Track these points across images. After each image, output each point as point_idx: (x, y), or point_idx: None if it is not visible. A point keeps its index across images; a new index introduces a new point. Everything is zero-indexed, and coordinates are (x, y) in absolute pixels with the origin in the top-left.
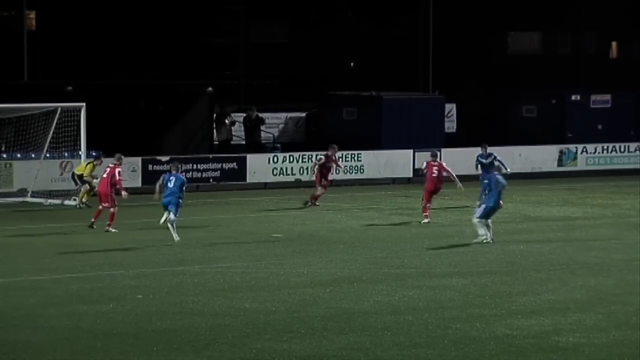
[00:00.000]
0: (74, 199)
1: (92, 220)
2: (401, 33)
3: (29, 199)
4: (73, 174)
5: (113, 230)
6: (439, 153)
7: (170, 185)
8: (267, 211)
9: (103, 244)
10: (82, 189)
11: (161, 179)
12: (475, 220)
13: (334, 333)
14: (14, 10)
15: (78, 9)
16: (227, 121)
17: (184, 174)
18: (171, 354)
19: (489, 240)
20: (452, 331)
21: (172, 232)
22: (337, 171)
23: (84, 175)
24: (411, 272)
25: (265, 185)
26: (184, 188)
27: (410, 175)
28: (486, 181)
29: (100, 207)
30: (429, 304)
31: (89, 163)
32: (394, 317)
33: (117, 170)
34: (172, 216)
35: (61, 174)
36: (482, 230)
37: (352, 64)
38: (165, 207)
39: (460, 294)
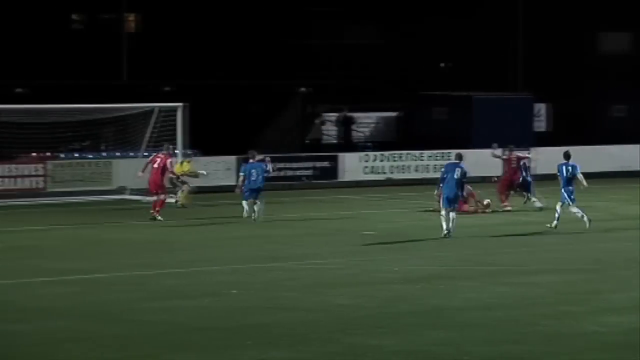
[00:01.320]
0: (172, 197)
1: (152, 212)
2: (492, 33)
3: (128, 197)
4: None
5: (159, 218)
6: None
7: (253, 177)
8: (358, 209)
9: (199, 240)
10: (184, 189)
11: (242, 170)
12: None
13: (425, 329)
14: (115, 14)
15: (177, 11)
16: (316, 121)
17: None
18: (265, 348)
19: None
20: (541, 327)
21: (255, 213)
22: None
23: (188, 171)
24: (502, 269)
25: (358, 184)
26: (264, 176)
27: (500, 174)
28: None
29: (156, 197)
30: (519, 301)
31: (187, 162)
32: (484, 314)
33: (168, 160)
34: (257, 207)
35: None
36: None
37: (442, 64)
38: (248, 199)
39: (550, 291)
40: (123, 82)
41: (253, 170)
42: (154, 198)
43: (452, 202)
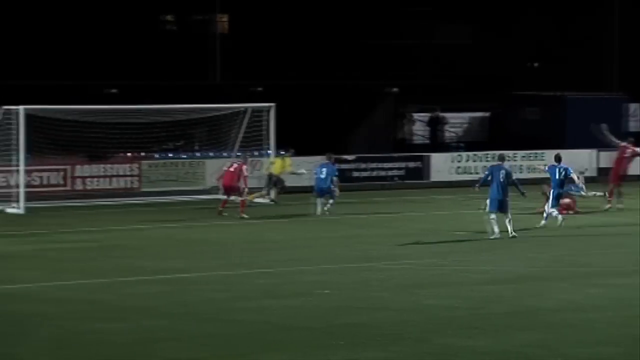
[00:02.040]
0: (266, 197)
1: (221, 208)
2: (585, 32)
3: (220, 196)
4: (270, 175)
5: (245, 216)
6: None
7: (322, 175)
8: (450, 209)
9: (290, 240)
10: (273, 189)
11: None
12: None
13: (517, 330)
14: (207, 14)
15: (268, 12)
16: (404, 121)
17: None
18: (357, 349)
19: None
20: (636, 330)
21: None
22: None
23: (289, 167)
24: (596, 270)
25: (449, 184)
26: (333, 179)
27: (595, 174)
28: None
29: (226, 197)
30: (613, 302)
31: (288, 156)
32: (577, 315)
33: (244, 167)
34: (329, 205)
35: (251, 173)
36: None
37: (535, 64)
38: (318, 196)
39: None
40: (215, 82)
41: (324, 169)
42: (231, 198)
43: (503, 205)
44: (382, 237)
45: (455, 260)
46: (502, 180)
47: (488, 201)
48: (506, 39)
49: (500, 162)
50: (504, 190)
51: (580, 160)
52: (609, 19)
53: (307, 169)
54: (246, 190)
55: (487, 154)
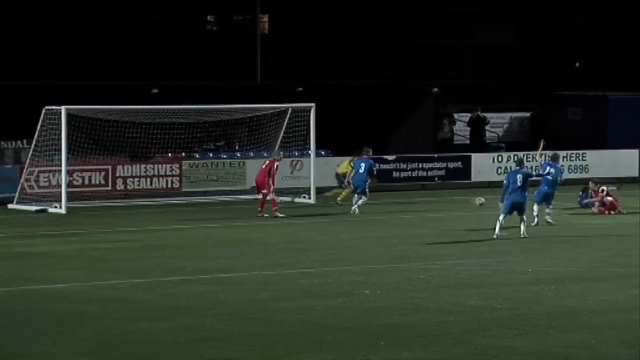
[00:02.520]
0: (304, 197)
1: (259, 209)
2: (628, 32)
3: (259, 197)
4: (336, 174)
5: (280, 215)
6: None
7: (361, 170)
8: (491, 209)
9: (331, 240)
10: (346, 189)
11: (352, 166)
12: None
13: (559, 331)
14: (248, 14)
15: (308, 12)
16: (445, 121)
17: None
18: (398, 349)
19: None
20: None
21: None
22: None
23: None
24: (636, 271)
25: (490, 184)
26: (372, 171)
27: (636, 174)
28: None
29: (260, 195)
30: None
31: (350, 161)
32: (619, 316)
33: (275, 164)
34: (361, 201)
35: (291, 172)
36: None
37: (577, 63)
38: (355, 191)
39: None
40: (255, 82)
41: (362, 164)
42: (260, 197)
43: (519, 208)
44: (423, 238)
45: (496, 261)
46: (519, 184)
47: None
48: (548, 38)
49: (518, 167)
50: (522, 193)
51: (623, 161)
52: None
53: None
54: (273, 187)
55: (529, 154)
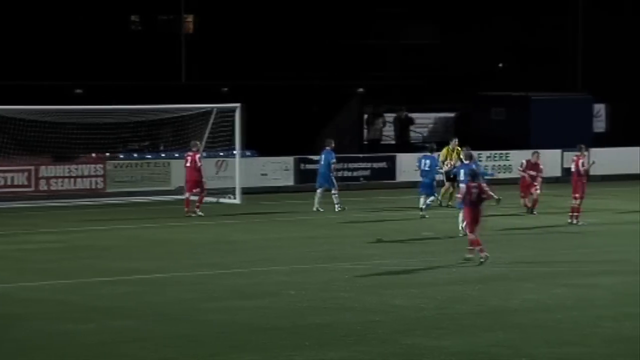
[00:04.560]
0: (230, 197)
1: (186, 209)
2: (551, 33)
3: (186, 197)
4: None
5: (200, 213)
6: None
7: (322, 162)
8: (416, 209)
9: (257, 240)
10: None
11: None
12: None
13: (484, 330)
14: (173, 14)
15: (233, 12)
16: (377, 121)
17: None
18: (323, 349)
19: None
20: (601, 329)
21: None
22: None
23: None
24: (560, 270)
25: (415, 184)
26: (331, 166)
27: (559, 174)
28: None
29: (188, 194)
30: (579, 302)
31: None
32: (543, 315)
33: (197, 156)
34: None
35: (217, 173)
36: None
37: (500, 64)
38: (317, 187)
39: (609, 293)
40: (181, 82)
41: (323, 155)
42: (195, 197)
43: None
44: (349, 238)
45: (421, 261)
46: (462, 178)
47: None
48: (473, 39)
49: (467, 161)
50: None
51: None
52: (573, 20)
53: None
54: (204, 182)
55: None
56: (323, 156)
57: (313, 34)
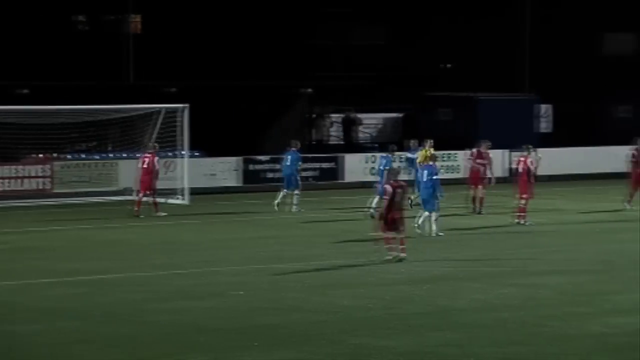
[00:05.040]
0: (178, 197)
1: (136, 209)
2: (498, 33)
3: (133, 198)
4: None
5: (162, 214)
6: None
7: (287, 163)
8: (364, 210)
9: (205, 241)
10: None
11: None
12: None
13: (431, 330)
14: (119, 14)
15: (180, 12)
16: (323, 121)
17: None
18: (271, 349)
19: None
20: (548, 329)
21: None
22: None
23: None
24: (507, 270)
25: (362, 185)
26: (298, 164)
27: (507, 174)
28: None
29: (140, 195)
30: (525, 302)
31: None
32: (489, 315)
33: (155, 159)
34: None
35: (165, 173)
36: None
37: (448, 65)
38: (283, 188)
39: (555, 292)
40: (128, 83)
41: (289, 156)
42: (150, 199)
43: (427, 204)
44: (296, 238)
45: (369, 261)
46: (425, 180)
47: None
48: (420, 40)
49: (430, 163)
50: (430, 189)
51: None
52: (520, 20)
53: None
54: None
55: (401, 154)
56: (289, 157)
57: (260, 34)
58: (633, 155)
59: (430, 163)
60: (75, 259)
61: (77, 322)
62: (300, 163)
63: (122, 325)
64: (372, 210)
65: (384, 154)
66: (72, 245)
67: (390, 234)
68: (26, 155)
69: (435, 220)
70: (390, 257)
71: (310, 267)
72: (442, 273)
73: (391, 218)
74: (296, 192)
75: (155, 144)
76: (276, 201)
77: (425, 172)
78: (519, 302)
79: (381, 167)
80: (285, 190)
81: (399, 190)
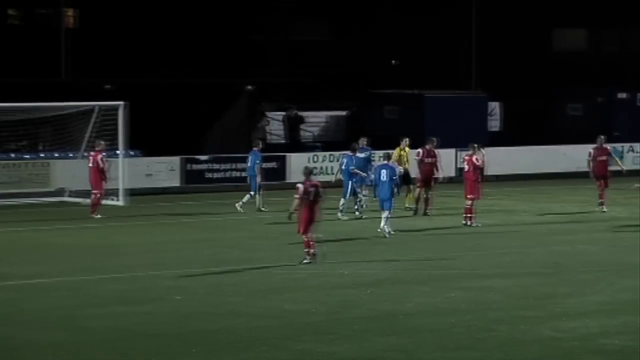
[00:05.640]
0: (113, 199)
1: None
2: (444, 30)
3: (67, 199)
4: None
5: (98, 216)
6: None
7: (249, 164)
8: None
9: (142, 243)
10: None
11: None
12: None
13: (376, 335)
14: (53, 8)
15: (118, 7)
16: (262, 122)
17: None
18: (211, 356)
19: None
20: (495, 333)
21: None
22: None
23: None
24: (454, 273)
25: None
26: (256, 163)
27: (453, 174)
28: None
29: (93, 196)
30: (472, 306)
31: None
32: (436, 319)
33: (98, 157)
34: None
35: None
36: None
37: (394, 61)
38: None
39: (504, 296)
40: (62, 79)
41: (250, 157)
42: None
43: (385, 203)
44: (237, 240)
45: (313, 264)
46: (384, 179)
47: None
48: (365, 36)
49: (386, 162)
50: (389, 189)
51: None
52: (467, 15)
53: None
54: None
55: (345, 153)
56: (251, 157)
57: (200, 30)
58: (590, 154)
59: (388, 162)
60: (5, 262)
61: (6, 328)
62: (258, 162)
63: (55, 332)
64: (340, 214)
65: (347, 153)
66: (2, 249)
67: (306, 236)
68: None
69: (387, 220)
70: (308, 259)
71: (251, 270)
72: (388, 276)
73: (304, 218)
74: (251, 192)
75: (101, 142)
76: (240, 203)
77: (385, 171)
78: (466, 306)
79: (343, 167)
80: (251, 192)
81: (311, 190)
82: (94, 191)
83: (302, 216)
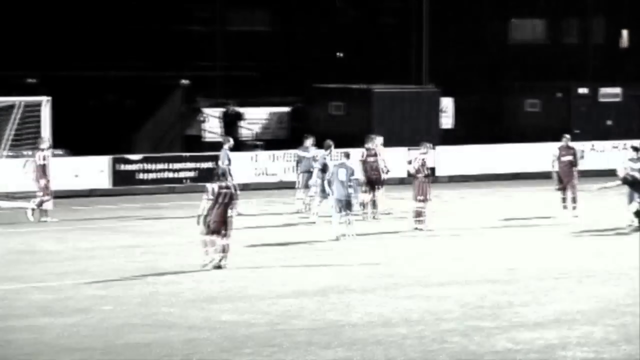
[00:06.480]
0: (33, 202)
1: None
2: (393, 21)
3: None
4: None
5: (46, 219)
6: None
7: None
8: (247, 215)
9: (67, 250)
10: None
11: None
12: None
13: (320, 347)
14: None
15: None
16: (199, 118)
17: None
18: None
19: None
20: (449, 345)
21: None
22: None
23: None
24: (404, 280)
25: (245, 187)
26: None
27: (404, 175)
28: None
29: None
30: (424, 316)
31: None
32: (385, 330)
33: (42, 155)
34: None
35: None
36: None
37: (339, 54)
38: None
39: (457, 305)
40: None
41: (222, 155)
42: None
43: (345, 205)
44: (171, 246)
45: (252, 272)
46: (343, 179)
47: (333, 202)
48: (308, 26)
49: (344, 161)
50: (347, 189)
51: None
52: (418, 6)
53: (87, 171)
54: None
55: (288, 152)
56: (221, 156)
57: (131, 19)
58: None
59: (347, 161)
60: None
61: None
62: (226, 162)
63: None
64: (313, 217)
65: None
66: None
67: (211, 238)
68: None
69: (350, 223)
70: (207, 263)
71: (186, 278)
72: (333, 284)
73: (214, 221)
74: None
75: (40, 139)
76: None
77: (343, 171)
78: (417, 316)
79: (316, 167)
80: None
81: (223, 191)
82: (38, 193)
83: (215, 218)
